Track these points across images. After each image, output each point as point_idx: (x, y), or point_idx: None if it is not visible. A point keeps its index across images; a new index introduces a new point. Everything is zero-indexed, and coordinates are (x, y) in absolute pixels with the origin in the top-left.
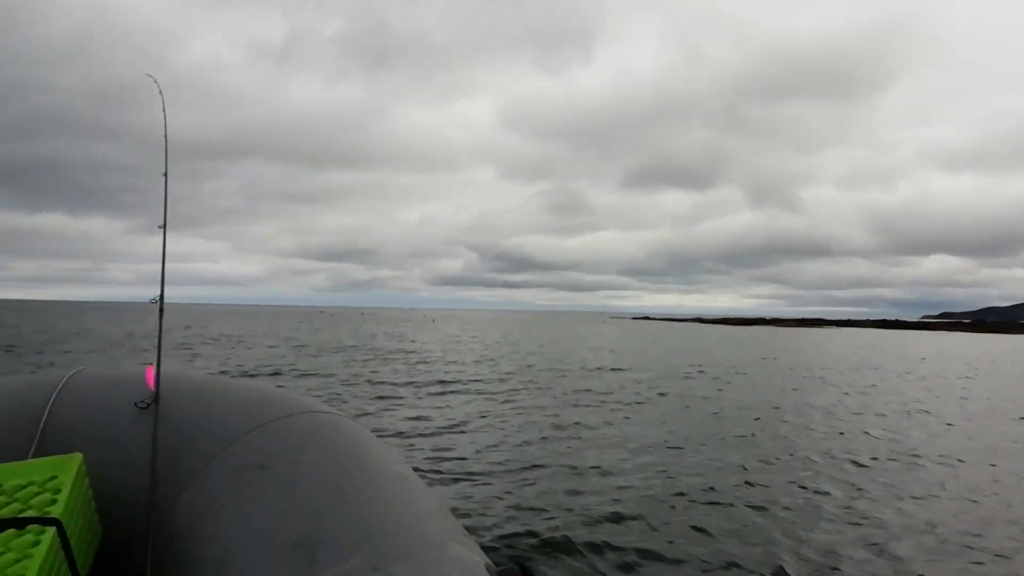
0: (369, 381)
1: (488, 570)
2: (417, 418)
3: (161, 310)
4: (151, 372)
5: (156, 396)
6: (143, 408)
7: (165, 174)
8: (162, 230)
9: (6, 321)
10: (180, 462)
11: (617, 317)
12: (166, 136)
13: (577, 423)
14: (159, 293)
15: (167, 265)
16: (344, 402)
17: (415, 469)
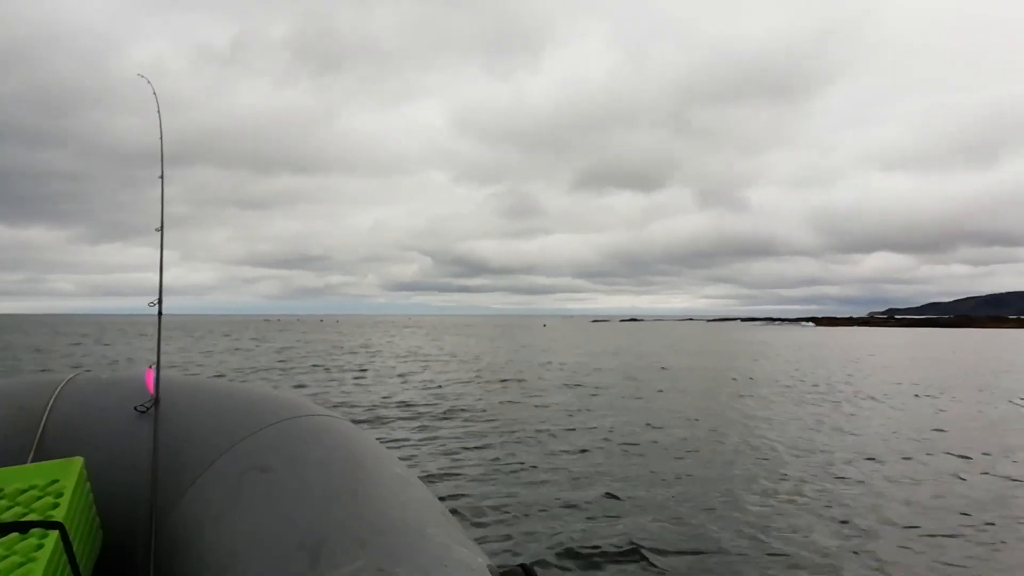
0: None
1: (491, 571)
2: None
3: (160, 313)
4: (150, 375)
5: (156, 399)
6: (143, 412)
7: (161, 176)
8: (159, 232)
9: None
10: (181, 465)
11: (600, 320)
12: (161, 138)
13: None
14: (158, 297)
15: (164, 275)
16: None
17: (419, 473)
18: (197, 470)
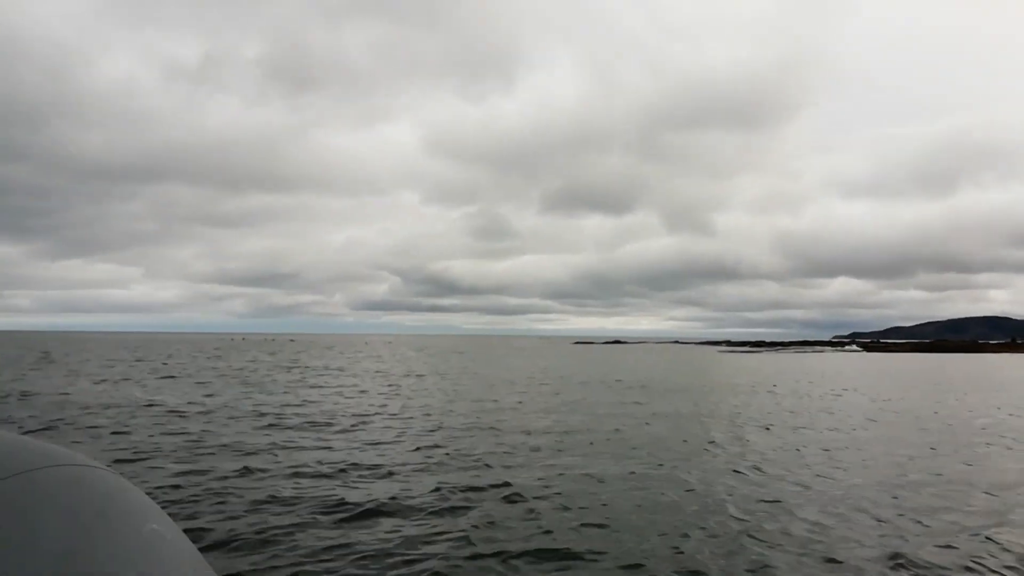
0: None
1: None
2: None
3: None
4: None
5: None
6: None
7: None
8: None
9: None
10: None
11: (582, 342)
12: None
13: None
14: None
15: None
16: None
17: (186, 530)
18: None
